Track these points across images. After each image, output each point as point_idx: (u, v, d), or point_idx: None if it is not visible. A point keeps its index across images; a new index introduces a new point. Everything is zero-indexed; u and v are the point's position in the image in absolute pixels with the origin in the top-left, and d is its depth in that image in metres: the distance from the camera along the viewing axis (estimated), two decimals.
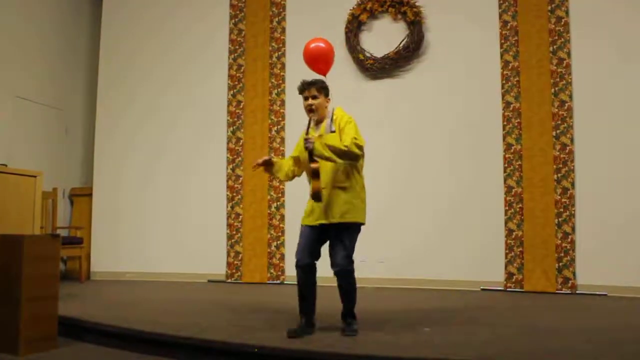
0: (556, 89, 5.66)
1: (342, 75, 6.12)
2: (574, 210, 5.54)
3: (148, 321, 3.80)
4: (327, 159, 3.32)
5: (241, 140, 6.62)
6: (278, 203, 6.43)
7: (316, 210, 3.43)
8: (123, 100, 7.10)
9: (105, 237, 6.92)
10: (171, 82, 6.96)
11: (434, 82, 6.11)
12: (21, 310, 3.16)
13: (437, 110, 6.09)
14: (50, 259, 3.37)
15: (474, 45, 6.02)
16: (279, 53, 6.61)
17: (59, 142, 7.13)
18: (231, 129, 6.67)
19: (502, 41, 5.90)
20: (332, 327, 3.54)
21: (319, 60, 3.60)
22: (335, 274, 3.40)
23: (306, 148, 3.33)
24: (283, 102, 6.54)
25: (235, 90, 6.71)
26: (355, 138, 3.35)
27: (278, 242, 6.39)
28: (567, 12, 5.68)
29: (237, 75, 6.72)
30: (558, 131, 5.63)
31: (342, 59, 6.28)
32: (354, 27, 6.34)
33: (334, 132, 3.44)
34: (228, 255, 6.51)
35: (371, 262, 5.92)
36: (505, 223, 5.74)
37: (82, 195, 7.20)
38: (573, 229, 5.52)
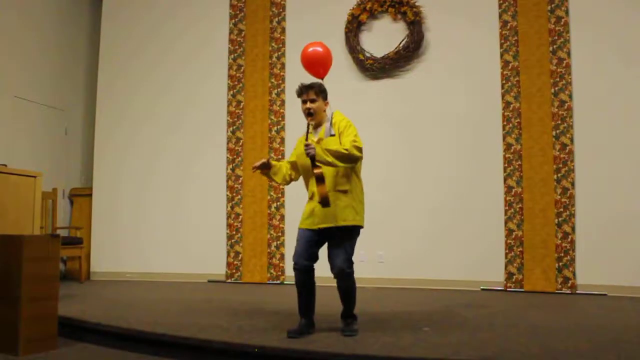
0: (556, 88, 5.67)
1: (342, 75, 6.15)
2: (573, 210, 5.54)
3: (148, 321, 3.80)
4: (330, 163, 3.31)
5: (241, 141, 6.62)
6: (278, 203, 6.44)
7: (317, 214, 3.41)
8: (123, 101, 7.10)
9: (105, 237, 6.93)
10: (171, 82, 6.96)
11: (433, 82, 6.11)
12: (21, 310, 3.16)
13: (436, 110, 6.09)
14: (50, 259, 3.37)
15: (474, 45, 6.02)
16: (279, 53, 6.61)
17: (59, 142, 7.13)
18: (231, 129, 6.67)
19: (502, 41, 5.90)
20: (332, 327, 3.54)
21: (317, 64, 3.58)
22: (335, 276, 3.39)
23: (307, 154, 3.31)
24: (283, 102, 6.54)
25: (235, 90, 6.72)
26: (355, 141, 3.35)
27: (278, 242, 6.39)
28: (567, 12, 5.69)
29: (237, 75, 6.72)
30: (558, 131, 5.63)
31: (342, 59, 6.29)
32: (353, 27, 6.34)
33: (333, 135, 3.44)
34: (228, 255, 6.52)
35: (371, 262, 5.93)
36: (505, 223, 5.75)
37: (82, 195, 7.20)
38: (573, 228, 5.52)
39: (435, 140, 6.09)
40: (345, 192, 3.41)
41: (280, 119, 6.53)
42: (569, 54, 5.66)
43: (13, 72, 6.42)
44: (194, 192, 6.74)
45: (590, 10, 5.63)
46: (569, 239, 5.51)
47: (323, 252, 3.46)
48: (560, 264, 5.51)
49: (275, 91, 6.58)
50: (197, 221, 6.67)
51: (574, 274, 5.47)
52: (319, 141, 3.44)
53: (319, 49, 3.59)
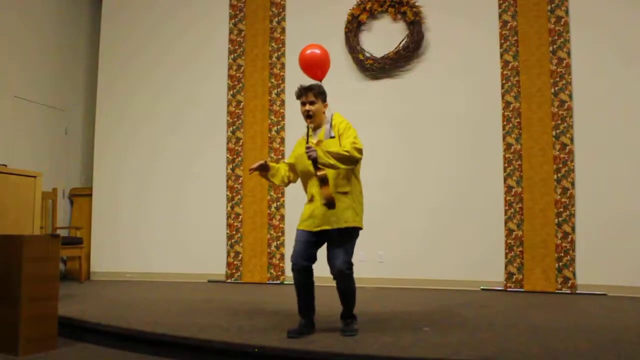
0: (556, 88, 5.67)
1: (341, 75, 6.15)
2: (573, 210, 5.54)
3: (148, 321, 3.80)
4: (332, 166, 3.30)
5: (241, 140, 6.62)
6: (278, 203, 6.44)
7: (317, 216, 3.40)
8: (123, 101, 7.10)
9: (105, 237, 6.93)
10: (171, 82, 6.96)
11: (433, 82, 6.11)
12: (21, 310, 3.16)
13: (436, 110, 6.09)
14: (50, 259, 3.37)
15: (473, 45, 6.02)
16: (279, 53, 6.61)
17: (59, 142, 7.13)
18: (231, 129, 6.67)
19: (502, 41, 5.90)
20: (332, 327, 3.54)
21: (315, 66, 3.57)
22: (335, 278, 3.39)
23: (309, 157, 3.29)
24: (283, 102, 6.54)
25: (235, 90, 6.72)
26: (355, 142, 3.35)
27: (278, 242, 6.39)
28: (567, 12, 5.69)
29: (237, 75, 6.72)
30: (558, 131, 5.63)
31: (342, 59, 6.29)
32: (353, 27, 6.34)
33: (333, 137, 3.44)
34: (228, 255, 6.52)
35: (371, 262, 5.93)
36: (505, 223, 5.75)
37: (82, 195, 7.20)
38: (573, 228, 5.52)
39: (435, 140, 6.09)
40: (345, 193, 3.41)
41: (280, 119, 6.53)
42: (569, 54, 5.66)
43: (13, 72, 6.42)
44: (194, 192, 6.74)
45: (590, 10, 5.63)
46: (569, 239, 5.51)
47: (322, 252, 3.46)
48: (560, 264, 5.51)
49: (275, 91, 6.58)
50: (197, 221, 6.67)
51: (574, 274, 5.47)
52: (318, 143, 3.43)
53: (317, 51, 3.57)
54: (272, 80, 6.60)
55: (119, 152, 7.03)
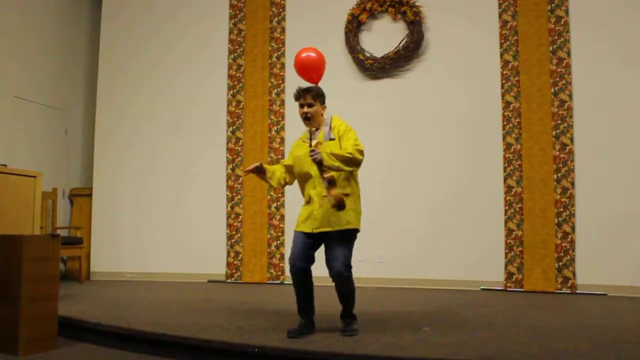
0: (556, 88, 5.67)
1: (341, 75, 6.15)
2: (573, 210, 5.54)
3: (148, 321, 3.80)
4: (337, 168, 3.29)
5: (241, 140, 6.62)
6: (278, 203, 6.44)
7: (316, 217, 3.38)
8: (123, 101, 7.10)
9: (105, 237, 6.93)
10: (171, 82, 6.96)
11: (433, 81, 6.11)
12: (21, 310, 3.16)
13: (436, 110, 6.09)
14: (50, 259, 3.37)
15: (473, 45, 6.02)
16: (279, 53, 6.61)
17: (59, 142, 7.13)
18: (231, 129, 6.67)
19: (502, 41, 5.90)
20: (332, 327, 3.53)
21: (310, 69, 3.55)
22: (334, 280, 3.37)
23: (314, 160, 3.28)
24: (283, 102, 6.54)
25: (235, 90, 6.72)
26: (356, 144, 3.34)
27: (278, 242, 6.39)
28: (567, 12, 5.69)
29: (237, 75, 6.72)
30: (558, 131, 5.63)
31: (341, 59, 6.29)
32: (353, 27, 6.34)
33: (333, 139, 3.43)
34: (228, 255, 6.52)
35: (371, 262, 5.93)
36: (505, 223, 5.75)
37: (82, 195, 7.20)
38: (573, 228, 5.52)
39: (435, 140, 6.09)
40: (347, 195, 3.40)
41: (280, 118, 6.53)
42: (569, 53, 5.66)
43: (13, 72, 6.42)
44: (194, 192, 6.74)
45: (590, 10, 5.63)
46: (569, 239, 5.51)
47: (321, 253, 3.46)
48: (560, 263, 5.51)
49: (275, 91, 6.58)
50: (197, 221, 6.67)
51: (574, 274, 5.47)
52: (317, 145, 3.43)
53: (312, 54, 3.55)
54: (272, 80, 6.60)
55: (119, 152, 7.03)
